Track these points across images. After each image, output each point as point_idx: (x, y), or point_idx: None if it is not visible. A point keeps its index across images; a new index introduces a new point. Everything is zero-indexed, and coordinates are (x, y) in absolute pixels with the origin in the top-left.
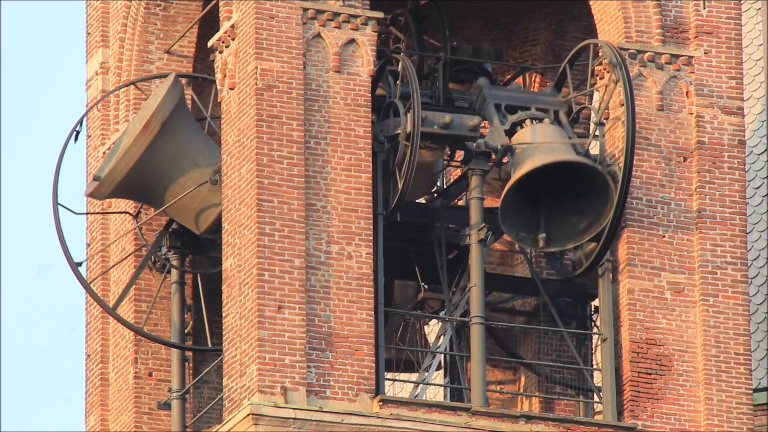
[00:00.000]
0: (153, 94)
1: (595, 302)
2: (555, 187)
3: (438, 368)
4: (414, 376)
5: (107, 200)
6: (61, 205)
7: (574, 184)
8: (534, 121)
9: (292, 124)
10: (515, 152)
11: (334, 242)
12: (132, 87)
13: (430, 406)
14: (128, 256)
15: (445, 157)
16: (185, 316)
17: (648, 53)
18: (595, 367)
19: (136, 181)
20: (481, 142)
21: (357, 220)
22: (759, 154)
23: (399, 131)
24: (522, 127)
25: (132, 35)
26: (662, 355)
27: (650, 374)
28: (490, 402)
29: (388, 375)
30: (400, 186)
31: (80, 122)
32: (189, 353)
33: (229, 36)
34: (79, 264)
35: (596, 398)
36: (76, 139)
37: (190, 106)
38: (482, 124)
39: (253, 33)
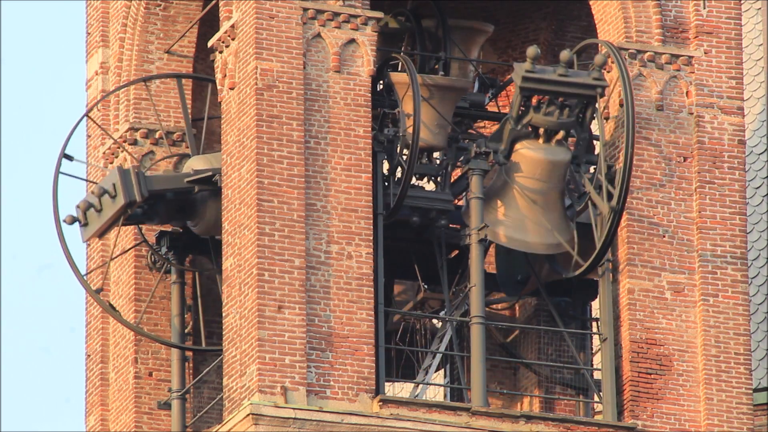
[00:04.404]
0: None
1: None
2: None
3: (438, 368)
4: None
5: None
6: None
7: None
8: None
9: (292, 124)
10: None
11: (334, 242)
12: (132, 87)
13: (430, 406)
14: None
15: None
16: (185, 316)
17: (648, 53)
18: (595, 367)
19: None
20: (481, 141)
21: (357, 220)
22: (759, 154)
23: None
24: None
25: (132, 35)
26: (662, 355)
27: (650, 374)
28: (490, 402)
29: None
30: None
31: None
32: (189, 353)
33: (229, 36)
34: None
35: (596, 398)
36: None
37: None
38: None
39: (253, 33)
